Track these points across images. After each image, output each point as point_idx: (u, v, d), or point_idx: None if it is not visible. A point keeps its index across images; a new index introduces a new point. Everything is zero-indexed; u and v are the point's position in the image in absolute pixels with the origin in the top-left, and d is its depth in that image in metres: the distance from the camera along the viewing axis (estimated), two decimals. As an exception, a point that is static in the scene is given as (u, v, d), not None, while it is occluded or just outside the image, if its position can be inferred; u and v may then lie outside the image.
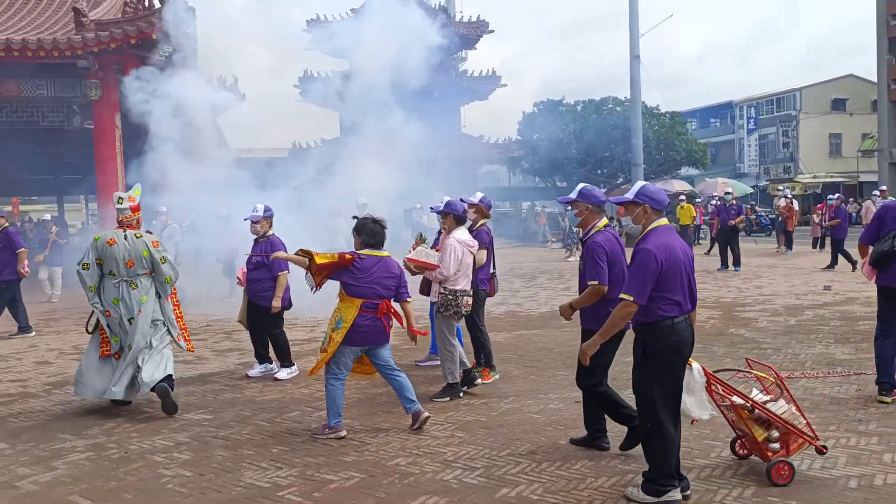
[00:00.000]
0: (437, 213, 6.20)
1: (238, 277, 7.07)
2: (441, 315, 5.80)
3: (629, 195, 3.95)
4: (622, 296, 3.69)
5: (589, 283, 4.33)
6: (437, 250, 6.25)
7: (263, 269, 6.82)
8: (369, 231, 5.10)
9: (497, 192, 39.40)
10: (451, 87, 29.90)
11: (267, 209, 7.06)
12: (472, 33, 31.81)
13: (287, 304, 6.93)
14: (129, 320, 5.78)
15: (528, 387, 6.23)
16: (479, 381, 6.20)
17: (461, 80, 29.99)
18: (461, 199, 6.52)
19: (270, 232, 7.01)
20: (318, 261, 4.93)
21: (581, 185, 4.63)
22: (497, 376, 6.51)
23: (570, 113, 33.11)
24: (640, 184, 4.01)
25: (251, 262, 6.90)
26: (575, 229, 21.90)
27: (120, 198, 6.04)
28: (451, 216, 6.01)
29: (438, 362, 7.20)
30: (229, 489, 4.11)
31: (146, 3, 18.77)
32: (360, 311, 4.94)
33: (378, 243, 5.10)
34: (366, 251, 5.06)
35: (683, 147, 32.50)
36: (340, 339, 4.95)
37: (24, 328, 9.80)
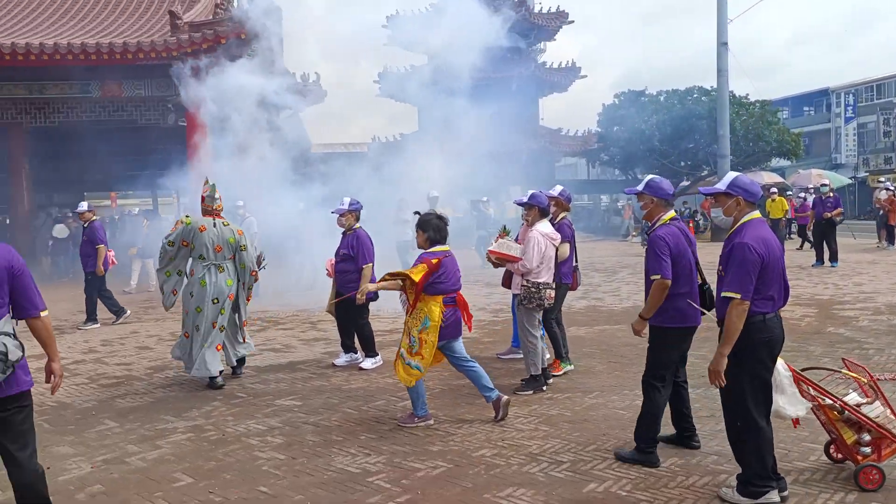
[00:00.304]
0: (521, 205, 6.17)
1: (326, 269, 7.26)
2: (524, 307, 5.79)
3: (721, 186, 3.83)
4: (728, 294, 3.56)
5: (651, 277, 4.20)
6: (518, 242, 6.24)
7: (350, 260, 6.99)
8: (435, 227, 5.18)
9: (575, 186, 38.86)
10: (530, 79, 29.66)
11: (353, 202, 7.22)
12: (550, 24, 31.43)
13: (373, 295, 7.06)
14: (213, 300, 6.34)
15: (613, 382, 6.14)
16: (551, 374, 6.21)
17: (540, 72, 29.64)
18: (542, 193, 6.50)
19: (357, 225, 7.17)
20: (417, 278, 4.94)
21: (648, 177, 4.51)
22: (569, 367, 6.50)
23: (653, 104, 32.24)
24: (732, 174, 3.87)
25: (339, 254, 7.09)
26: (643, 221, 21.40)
27: (213, 187, 6.54)
28: (536, 208, 5.99)
29: (520, 355, 7.24)
30: (321, 473, 4.25)
31: (236, 4, 19.45)
32: (444, 307, 5.01)
33: (443, 238, 5.18)
34: (438, 248, 5.14)
35: (774, 137, 31.08)
36: (436, 339, 5.00)
37: (117, 312, 10.33)
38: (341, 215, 7.17)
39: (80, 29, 19.09)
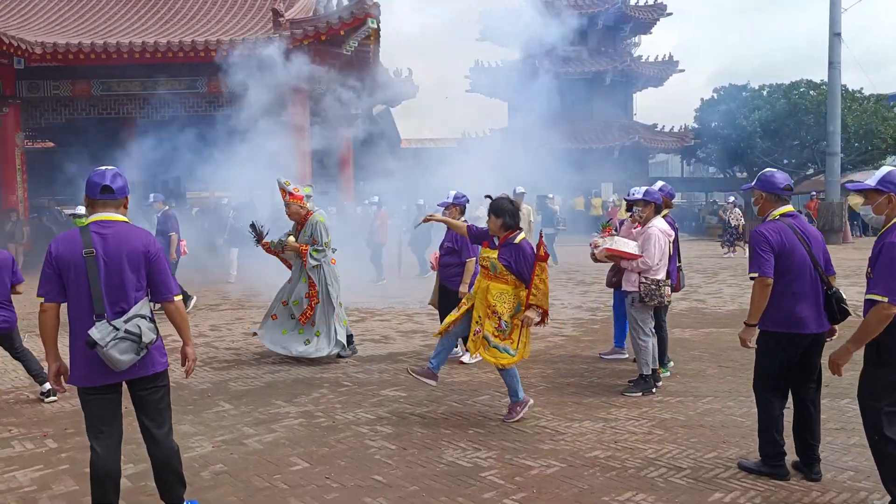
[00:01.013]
0: (634, 201, 5.97)
1: (430, 262, 7.28)
2: (641, 305, 5.61)
3: (871, 182, 3.55)
4: (872, 297, 3.31)
5: (749, 275, 3.88)
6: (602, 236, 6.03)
7: (454, 254, 6.98)
8: (511, 212, 5.01)
9: (669, 183, 37.74)
10: (625, 73, 28.97)
11: (458, 196, 7.20)
12: (648, 17, 30.60)
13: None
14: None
15: (727, 387, 5.86)
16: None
17: (636, 66, 28.88)
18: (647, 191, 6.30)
19: (462, 219, 7.15)
20: (544, 294, 4.90)
21: (763, 171, 4.21)
22: (667, 373, 6.25)
23: (756, 98, 30.80)
24: (885, 169, 3.57)
25: (444, 247, 7.09)
26: (733, 224, 20.37)
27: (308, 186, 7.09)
28: (652, 205, 5.79)
29: (623, 356, 7.05)
30: (433, 465, 4.24)
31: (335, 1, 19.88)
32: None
33: (517, 224, 5.07)
34: (520, 237, 5.03)
35: (890, 134, 29.07)
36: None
37: (186, 297, 10.45)
38: (446, 208, 7.17)
39: (188, 28, 19.99)
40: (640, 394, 5.63)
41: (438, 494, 3.82)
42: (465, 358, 7.15)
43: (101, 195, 3.30)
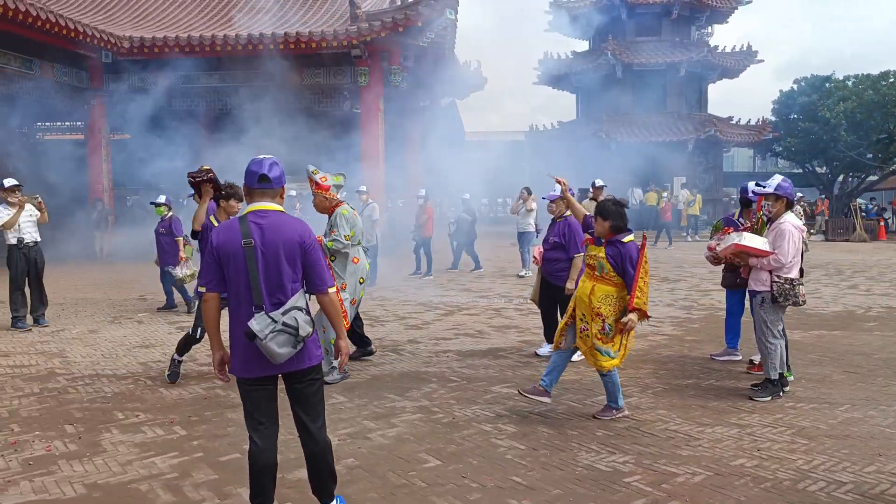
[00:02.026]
0: (763, 195, 5.67)
1: (534, 256, 7.11)
2: (773, 306, 5.34)
3: None
4: None
5: None
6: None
7: (560, 249, 6.81)
8: (617, 214, 4.89)
9: (741, 179, 36.48)
10: (700, 64, 28.05)
11: (567, 189, 7.02)
12: (724, 6, 29.52)
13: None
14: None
15: (862, 395, 5.52)
16: None
17: (712, 57, 27.91)
18: (757, 184, 6.00)
19: (567, 213, 6.96)
20: (646, 296, 4.78)
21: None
22: (792, 377, 5.94)
23: (840, 90, 29.45)
24: None
25: (548, 241, 6.92)
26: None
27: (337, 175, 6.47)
28: (784, 199, 5.48)
29: (737, 357, 6.76)
30: (570, 468, 4.09)
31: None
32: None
33: (626, 225, 4.91)
34: (630, 237, 4.90)
35: None
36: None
37: (169, 305, 10.24)
38: (552, 202, 7.00)
39: (265, 20, 20.24)
40: (769, 398, 5.36)
41: (586, 501, 3.67)
42: (542, 350, 6.99)
43: (259, 184, 3.25)
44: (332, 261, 6.24)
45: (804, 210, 21.85)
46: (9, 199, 8.79)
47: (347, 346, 3.47)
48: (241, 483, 3.90)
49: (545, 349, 7.05)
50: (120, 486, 3.90)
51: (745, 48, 29.52)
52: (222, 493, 3.80)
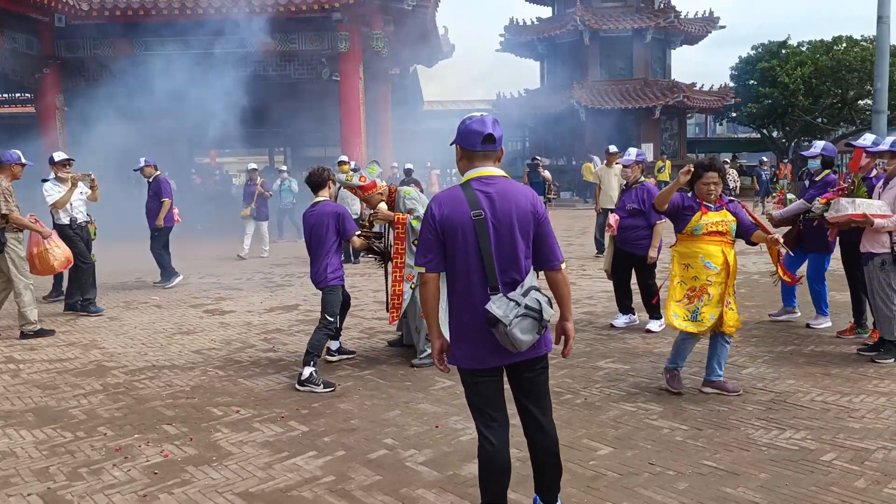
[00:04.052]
0: (875, 152, 5.50)
1: (610, 224, 6.81)
2: (893, 268, 5.21)
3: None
4: None
5: None
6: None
7: (639, 216, 6.53)
8: (725, 171, 4.90)
9: (702, 145, 37.06)
10: (663, 30, 28.11)
11: (640, 153, 6.74)
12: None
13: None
14: None
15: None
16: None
17: (678, 23, 27.98)
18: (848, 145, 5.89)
19: (642, 178, 6.69)
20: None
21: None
22: (864, 334, 6.04)
23: (797, 55, 30.07)
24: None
25: (625, 209, 6.64)
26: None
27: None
28: (907, 160, 5.32)
29: (795, 315, 6.86)
30: (754, 448, 3.83)
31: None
32: None
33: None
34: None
35: (935, 91, 28.42)
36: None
37: (168, 275, 9.93)
38: (626, 166, 6.71)
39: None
40: (892, 360, 5.28)
41: (801, 484, 3.42)
42: (618, 321, 6.78)
43: (483, 146, 2.82)
44: (414, 246, 5.74)
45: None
46: (59, 175, 7.97)
47: (573, 328, 3.08)
48: (416, 484, 3.50)
49: (621, 320, 6.82)
50: (280, 495, 3.44)
51: (707, 14, 29.73)
52: (406, 498, 3.40)
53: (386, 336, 6.61)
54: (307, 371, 5.06)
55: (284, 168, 18.25)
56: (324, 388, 5.00)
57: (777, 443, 3.91)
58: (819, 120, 31.64)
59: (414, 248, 5.61)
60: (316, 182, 5.45)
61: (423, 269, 2.81)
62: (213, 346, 6.46)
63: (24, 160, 7.07)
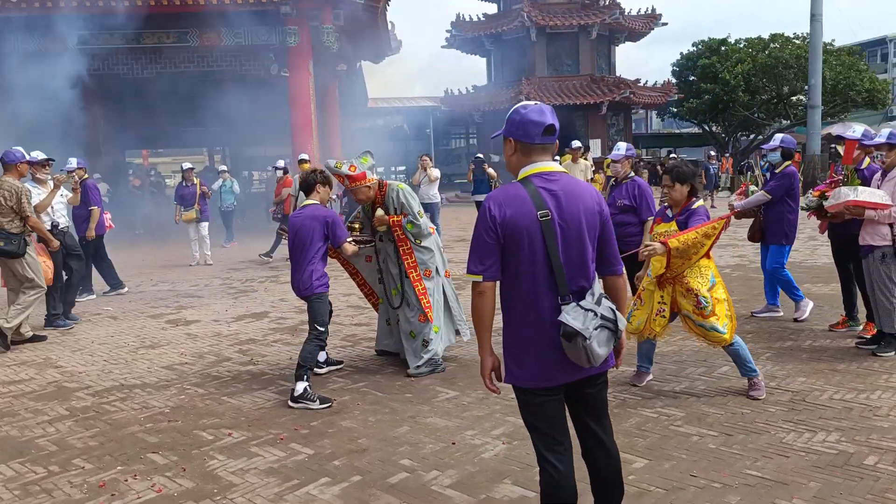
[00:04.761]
0: (875, 145, 5.46)
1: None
2: (890, 261, 5.17)
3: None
4: None
5: None
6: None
7: (629, 212, 6.36)
8: (696, 175, 4.70)
9: (645, 140, 37.69)
10: (608, 27, 28.39)
11: (629, 148, 6.57)
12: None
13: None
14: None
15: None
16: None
17: (623, 19, 28.29)
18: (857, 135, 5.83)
19: (632, 174, 6.53)
20: (685, 247, 4.33)
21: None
22: (857, 327, 6.05)
23: (736, 52, 30.88)
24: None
25: (615, 205, 6.45)
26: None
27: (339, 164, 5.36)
28: (905, 150, 5.29)
29: (778, 314, 6.77)
30: (794, 455, 3.67)
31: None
32: None
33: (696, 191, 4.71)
34: (700, 202, 4.69)
35: (865, 87, 29.68)
36: (727, 293, 4.65)
37: (114, 285, 9.35)
38: (616, 161, 6.53)
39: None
40: (893, 353, 5.25)
41: (855, 493, 3.25)
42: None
43: (543, 138, 2.53)
44: (418, 245, 5.41)
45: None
46: (38, 176, 7.32)
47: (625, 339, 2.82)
48: (450, 511, 3.20)
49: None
50: (301, 532, 3.08)
51: (650, 11, 30.19)
52: (443, 528, 3.09)
53: (370, 344, 6.25)
54: (300, 386, 4.68)
55: (224, 168, 17.56)
56: (320, 404, 4.63)
57: (813, 447, 3.76)
58: (757, 115, 32.62)
59: (420, 245, 5.34)
60: (304, 185, 5.11)
61: (479, 278, 2.50)
62: (184, 361, 5.98)
63: (28, 157, 6.75)
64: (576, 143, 12.35)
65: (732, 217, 5.23)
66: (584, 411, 2.67)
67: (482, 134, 31.34)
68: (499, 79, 30.51)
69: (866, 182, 5.58)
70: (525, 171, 2.54)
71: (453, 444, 3.97)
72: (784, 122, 33.57)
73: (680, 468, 3.56)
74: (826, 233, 6.28)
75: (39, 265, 6.75)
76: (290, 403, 4.67)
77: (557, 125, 2.56)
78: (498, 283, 2.55)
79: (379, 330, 5.87)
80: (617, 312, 2.50)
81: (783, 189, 6.49)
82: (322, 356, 5.45)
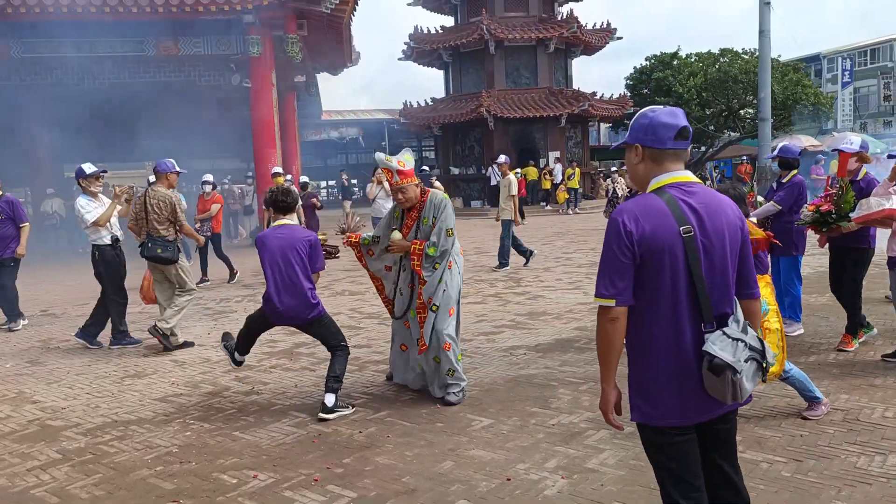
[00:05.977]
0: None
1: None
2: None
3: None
4: None
5: None
6: None
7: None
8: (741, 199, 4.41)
9: (600, 152, 38.09)
10: (565, 40, 28.61)
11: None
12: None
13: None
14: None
15: None
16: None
17: (580, 33, 28.55)
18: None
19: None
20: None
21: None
22: (872, 331, 6.03)
23: (687, 66, 31.56)
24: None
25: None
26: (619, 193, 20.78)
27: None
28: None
29: (799, 330, 6.57)
30: (875, 481, 3.47)
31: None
32: None
33: None
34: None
35: (811, 101, 30.70)
36: (780, 322, 4.25)
37: (10, 317, 8.28)
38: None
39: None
40: (900, 361, 5.19)
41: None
42: None
43: (675, 143, 2.26)
44: (436, 269, 4.81)
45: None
46: (91, 189, 7.02)
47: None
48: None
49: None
50: None
51: (605, 25, 30.60)
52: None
53: (377, 368, 5.87)
54: (331, 398, 4.56)
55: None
56: (350, 409, 4.72)
57: (890, 471, 3.57)
58: (709, 128, 33.37)
59: (434, 268, 4.89)
60: (283, 204, 4.85)
61: (612, 303, 2.20)
62: (179, 392, 5.48)
63: (178, 168, 7.11)
64: (502, 158, 12.15)
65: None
66: (714, 449, 2.38)
67: (442, 146, 31.17)
68: (457, 91, 30.40)
69: (861, 194, 5.52)
70: (657, 182, 2.27)
71: (508, 480, 3.64)
72: (733, 134, 34.43)
73: (765, 500, 3.31)
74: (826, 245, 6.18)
75: (190, 270, 7.15)
76: (323, 415, 4.54)
77: (691, 130, 2.29)
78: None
79: (393, 354, 5.43)
80: (764, 342, 2.23)
81: (792, 198, 6.39)
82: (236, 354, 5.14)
